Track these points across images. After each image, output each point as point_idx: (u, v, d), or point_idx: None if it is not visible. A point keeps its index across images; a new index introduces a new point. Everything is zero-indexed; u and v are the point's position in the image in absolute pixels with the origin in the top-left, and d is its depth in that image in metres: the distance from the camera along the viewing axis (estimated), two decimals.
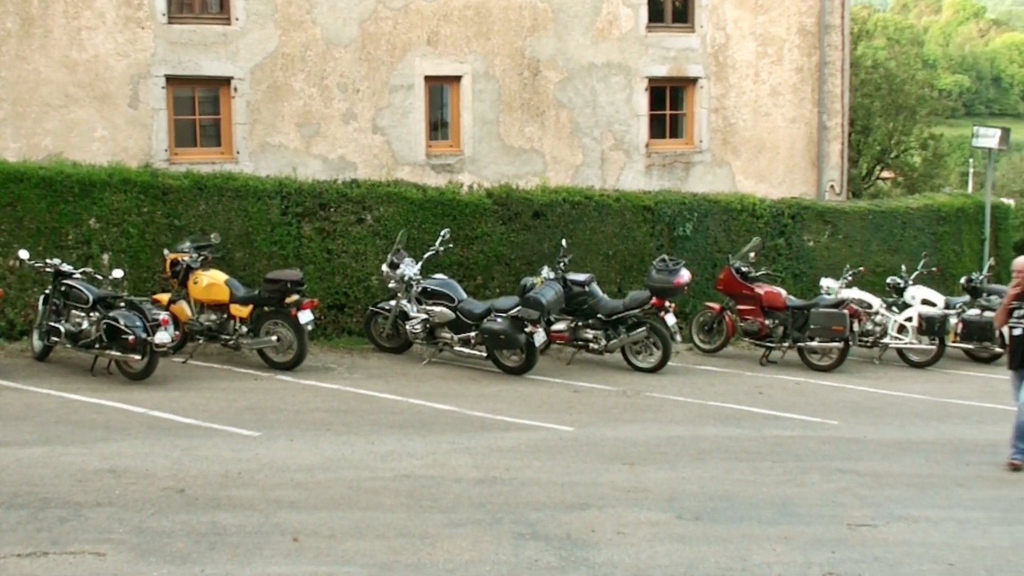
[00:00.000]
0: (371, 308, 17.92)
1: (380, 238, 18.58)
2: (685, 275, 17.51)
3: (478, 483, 10.56)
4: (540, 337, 16.80)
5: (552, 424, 13.60)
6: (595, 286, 17.88)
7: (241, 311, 15.89)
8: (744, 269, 19.02)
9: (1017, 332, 12.21)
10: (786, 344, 18.62)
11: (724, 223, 21.07)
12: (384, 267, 17.62)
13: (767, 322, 18.74)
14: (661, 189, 22.12)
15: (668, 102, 24.70)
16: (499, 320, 16.46)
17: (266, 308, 15.98)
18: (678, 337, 17.90)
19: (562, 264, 17.50)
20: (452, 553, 8.44)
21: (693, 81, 24.44)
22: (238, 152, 20.85)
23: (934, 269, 21.56)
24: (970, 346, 19.35)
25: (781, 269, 21.29)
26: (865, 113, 35.06)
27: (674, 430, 13.10)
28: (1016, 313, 12.28)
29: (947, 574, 8.65)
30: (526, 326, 16.42)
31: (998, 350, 19.10)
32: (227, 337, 16.02)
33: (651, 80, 24.02)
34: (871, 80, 35.28)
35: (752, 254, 19.34)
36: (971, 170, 59.78)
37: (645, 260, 19.55)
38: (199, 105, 21.17)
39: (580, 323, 17.76)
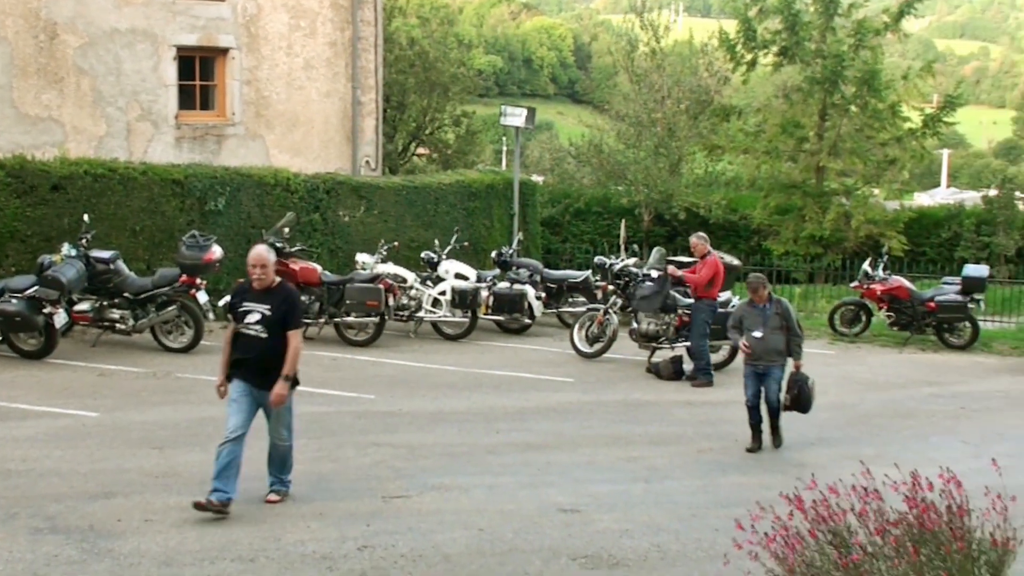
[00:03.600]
0: None
1: None
2: (216, 251, 17.26)
3: None
4: (61, 318, 16.02)
5: (75, 410, 13.04)
6: (121, 263, 17.23)
7: None
8: (279, 245, 18.98)
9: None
10: (322, 320, 18.82)
11: (258, 198, 20.92)
12: None
13: (303, 298, 18.81)
14: (192, 162, 21.58)
15: (198, 72, 24.11)
16: (14, 301, 15.56)
17: None
18: (211, 315, 17.66)
19: (84, 240, 16.75)
20: None
21: (224, 51, 24.01)
22: None
23: (466, 244, 22.52)
24: (501, 318, 20.39)
25: (317, 244, 21.45)
26: (400, 89, 35.94)
27: (207, 411, 12.88)
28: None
29: (477, 539, 9.11)
30: (45, 307, 15.64)
31: (527, 321, 20.32)
32: None
33: (180, 49, 23.32)
34: (405, 57, 36.19)
35: (287, 229, 19.34)
36: (504, 148, 62.95)
37: (175, 236, 19.03)
38: None
39: (105, 302, 17.07)
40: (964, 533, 6.15)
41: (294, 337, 9.55)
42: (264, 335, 9.50)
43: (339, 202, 22.22)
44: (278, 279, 9.93)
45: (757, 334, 12.37)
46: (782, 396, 12.39)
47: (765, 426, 12.57)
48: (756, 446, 12.41)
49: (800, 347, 12.56)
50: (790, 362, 12.52)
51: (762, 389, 12.41)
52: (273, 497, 9.85)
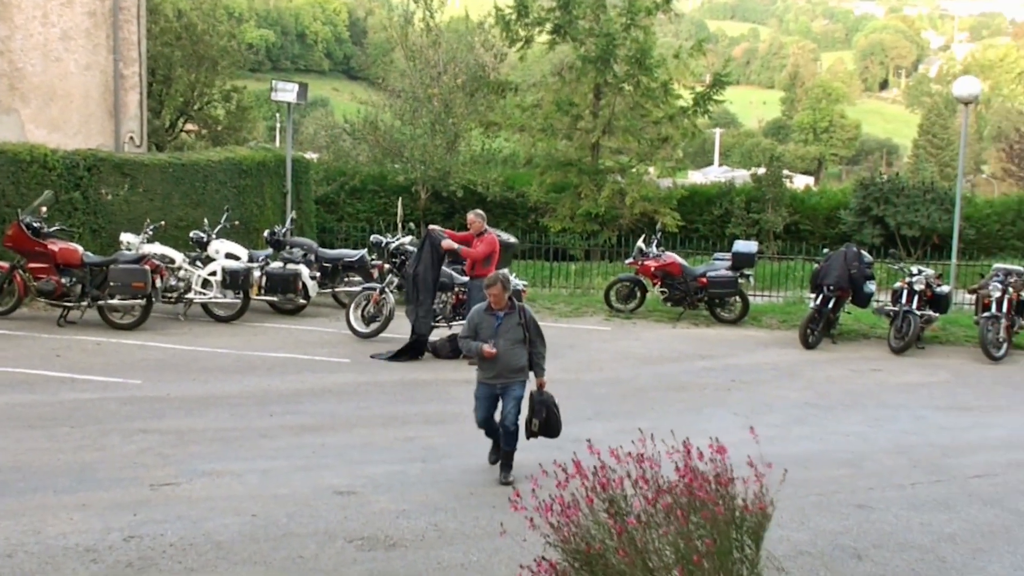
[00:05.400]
0: None
1: None
2: None
3: None
4: None
5: None
6: None
7: None
8: (36, 225, 18.25)
9: None
10: (85, 303, 18.20)
11: (12, 175, 20.02)
12: None
13: (63, 280, 18.18)
14: None
15: None
16: None
17: None
18: None
19: None
20: None
21: None
22: None
23: (236, 223, 22.13)
24: (274, 298, 20.12)
25: (78, 224, 20.69)
26: (166, 63, 35.01)
27: None
28: None
29: (250, 525, 8.99)
30: None
31: (302, 301, 20.13)
32: None
33: None
34: (172, 29, 35.25)
35: (44, 208, 18.61)
36: (278, 124, 62.06)
37: None
38: None
39: None
40: (728, 500, 6.41)
41: None
42: None
43: (101, 180, 21.49)
44: None
45: (491, 347, 10.58)
46: (522, 420, 10.64)
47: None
48: (496, 457, 10.91)
49: (544, 361, 10.80)
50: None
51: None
52: None
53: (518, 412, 10.63)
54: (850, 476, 11.13)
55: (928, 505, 10.18)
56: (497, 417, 10.75)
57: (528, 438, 10.69)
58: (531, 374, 10.81)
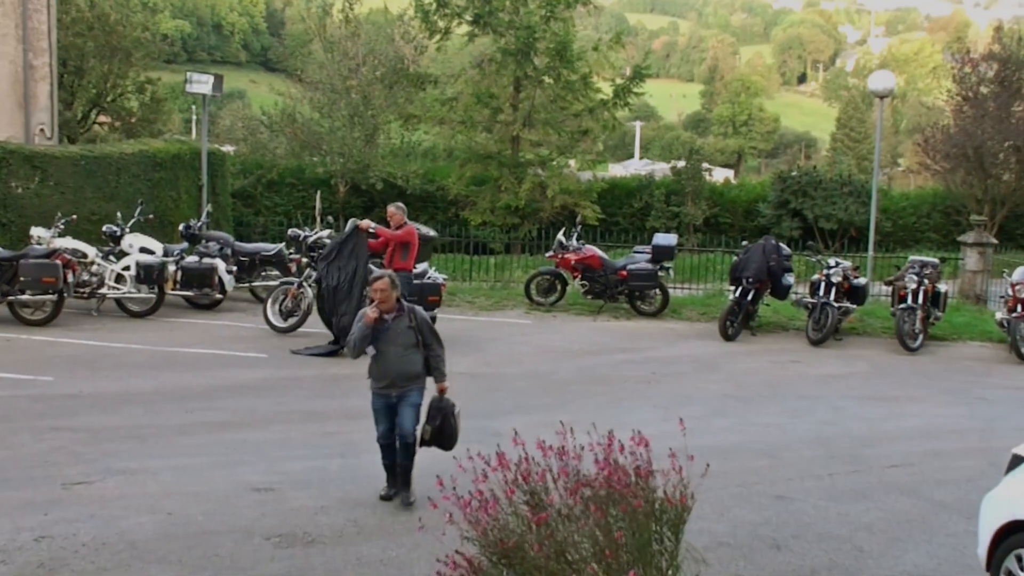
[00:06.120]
0: None
1: None
2: None
3: None
4: None
5: None
6: None
7: None
8: None
9: None
10: None
11: None
12: None
13: None
14: None
15: None
16: None
17: None
18: None
19: None
20: None
21: None
22: None
23: (151, 216, 21.85)
24: (190, 293, 19.89)
25: None
26: (79, 54, 34.38)
27: None
28: None
29: (165, 523, 8.90)
30: None
31: (218, 296, 19.92)
32: None
33: None
34: (84, 19, 34.58)
35: None
36: (194, 117, 61.37)
37: None
38: None
39: None
40: (647, 493, 6.45)
41: None
42: None
43: (11, 173, 21.10)
44: None
45: (380, 352, 9.70)
46: (419, 429, 9.74)
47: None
48: (392, 492, 9.81)
49: (443, 364, 9.91)
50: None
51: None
52: None
53: (416, 421, 9.75)
54: (769, 467, 11.27)
55: (846, 495, 10.34)
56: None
57: (419, 446, 9.77)
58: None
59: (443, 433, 9.73)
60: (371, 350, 9.69)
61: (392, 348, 9.64)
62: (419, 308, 10.04)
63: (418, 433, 9.72)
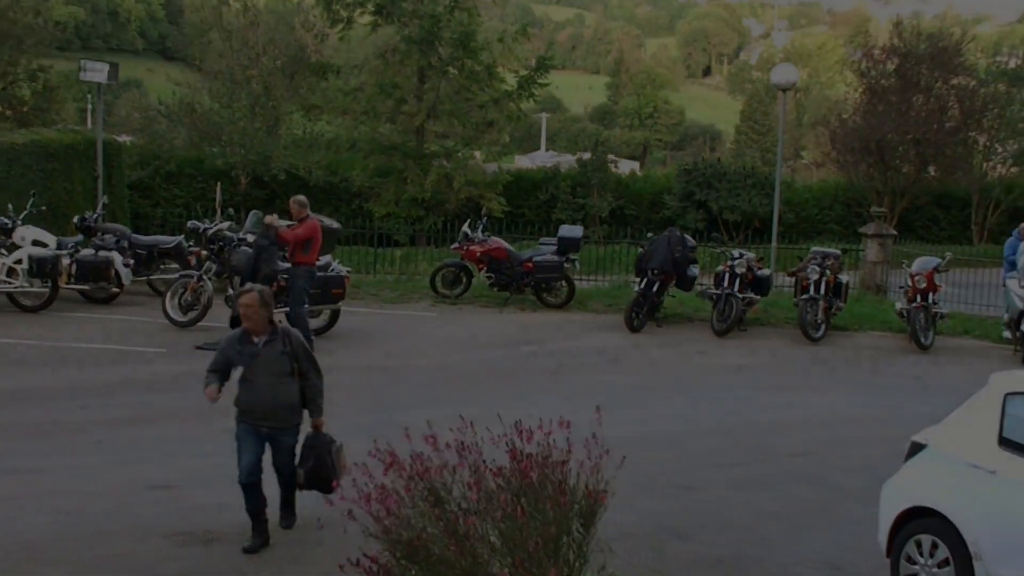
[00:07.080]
0: None
1: None
2: None
3: None
4: None
5: None
6: None
7: None
8: None
9: None
10: None
11: None
12: None
13: None
14: None
15: None
16: None
17: None
18: None
19: None
20: None
21: None
22: None
23: (44, 208, 21.42)
24: (85, 287, 19.56)
25: None
26: None
27: None
28: None
29: (61, 523, 8.75)
30: None
31: (115, 289, 19.61)
32: None
33: None
34: None
35: None
36: (90, 106, 60.27)
37: None
38: None
39: None
40: (561, 485, 6.45)
41: None
42: None
43: None
44: None
45: (249, 381, 8.63)
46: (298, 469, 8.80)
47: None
48: (257, 543, 8.44)
49: (320, 398, 8.77)
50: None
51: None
52: None
53: (293, 459, 8.75)
54: (675, 457, 11.39)
55: (750, 484, 10.48)
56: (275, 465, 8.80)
57: (298, 489, 8.89)
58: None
59: (317, 476, 8.68)
60: (236, 373, 8.63)
61: (263, 377, 8.51)
62: (295, 331, 8.88)
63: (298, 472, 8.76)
